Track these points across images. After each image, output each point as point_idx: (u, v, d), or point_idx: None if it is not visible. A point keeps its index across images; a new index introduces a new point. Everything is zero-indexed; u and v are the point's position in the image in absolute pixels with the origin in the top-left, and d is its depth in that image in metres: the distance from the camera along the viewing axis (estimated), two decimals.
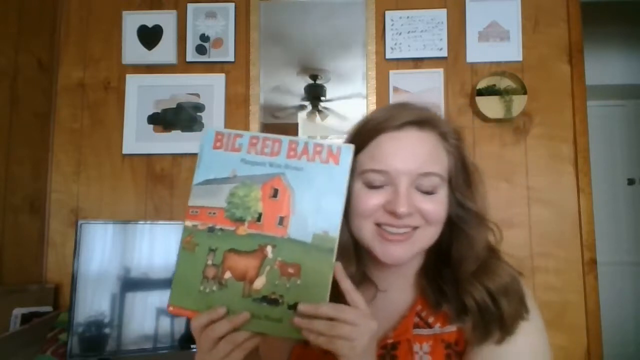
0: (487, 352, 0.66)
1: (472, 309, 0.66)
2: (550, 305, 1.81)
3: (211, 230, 0.62)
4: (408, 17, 1.96)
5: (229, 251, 0.61)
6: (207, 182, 0.63)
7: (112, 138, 1.97)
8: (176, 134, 1.96)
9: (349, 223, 0.70)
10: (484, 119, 1.90)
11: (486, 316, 0.66)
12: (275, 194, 0.62)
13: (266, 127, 1.98)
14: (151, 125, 1.97)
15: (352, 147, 0.63)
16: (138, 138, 1.95)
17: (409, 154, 0.67)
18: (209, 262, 0.61)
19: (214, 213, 0.62)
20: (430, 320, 0.71)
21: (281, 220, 0.61)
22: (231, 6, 2.00)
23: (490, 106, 1.87)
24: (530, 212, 1.86)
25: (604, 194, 3.02)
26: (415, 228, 0.68)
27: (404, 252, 0.68)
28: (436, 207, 0.68)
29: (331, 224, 0.60)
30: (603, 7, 2.55)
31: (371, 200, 0.67)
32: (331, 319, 0.57)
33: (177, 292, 0.62)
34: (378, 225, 0.68)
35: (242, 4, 2.01)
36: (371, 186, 0.68)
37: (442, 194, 0.69)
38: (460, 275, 0.69)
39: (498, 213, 1.89)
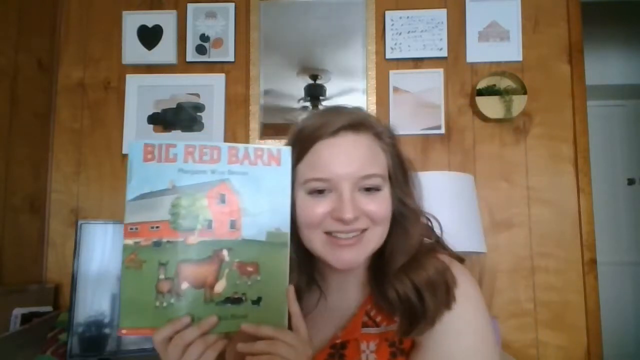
0: (419, 344, 0.68)
1: (394, 302, 0.67)
2: (550, 305, 1.81)
3: (157, 244, 0.61)
4: (408, 17, 1.96)
5: (182, 262, 0.61)
6: (143, 196, 0.61)
7: (112, 138, 1.97)
8: (176, 134, 1.96)
9: (296, 234, 0.69)
10: (484, 119, 1.90)
11: (409, 309, 0.67)
12: (222, 199, 0.63)
13: (266, 127, 1.98)
14: (151, 125, 1.97)
15: (290, 148, 0.67)
16: (138, 138, 1.95)
17: (348, 158, 0.67)
18: (161, 276, 0.60)
19: (157, 227, 0.61)
20: (378, 319, 0.71)
21: (233, 224, 0.63)
22: (231, 6, 2.00)
23: (490, 106, 1.87)
24: (530, 212, 1.86)
25: (604, 194, 3.02)
26: (363, 230, 0.68)
27: (356, 255, 0.69)
28: (380, 207, 0.68)
29: (282, 221, 0.64)
30: (603, 7, 2.55)
31: (317, 209, 0.67)
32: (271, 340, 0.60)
33: (128, 313, 0.60)
34: (328, 233, 0.68)
35: (242, 4, 2.01)
36: (314, 195, 0.68)
37: (386, 193, 0.70)
38: (390, 270, 0.69)
39: (498, 213, 1.90)
